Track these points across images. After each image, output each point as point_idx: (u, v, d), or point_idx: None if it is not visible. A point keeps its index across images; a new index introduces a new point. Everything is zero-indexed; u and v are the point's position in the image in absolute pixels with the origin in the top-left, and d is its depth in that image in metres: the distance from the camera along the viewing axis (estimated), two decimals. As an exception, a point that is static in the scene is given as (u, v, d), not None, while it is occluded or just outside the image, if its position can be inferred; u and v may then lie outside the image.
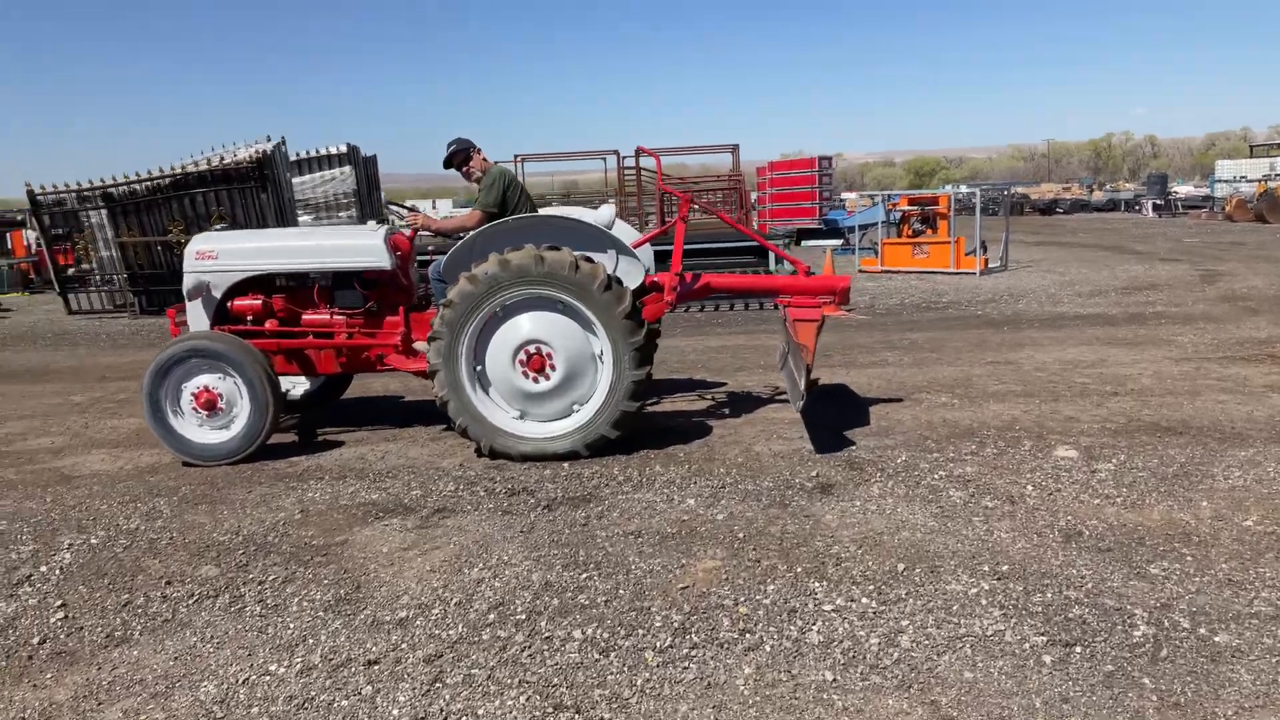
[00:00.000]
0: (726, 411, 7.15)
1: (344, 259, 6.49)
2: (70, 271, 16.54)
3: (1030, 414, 6.65)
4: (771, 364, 8.76)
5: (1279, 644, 3.33)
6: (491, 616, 3.79)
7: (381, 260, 6.38)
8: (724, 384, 8.16)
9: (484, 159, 6.86)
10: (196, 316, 6.63)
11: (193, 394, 6.08)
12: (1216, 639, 3.38)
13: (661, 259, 7.06)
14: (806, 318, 6.06)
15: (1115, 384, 7.54)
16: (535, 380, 5.95)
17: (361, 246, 6.46)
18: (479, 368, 6.00)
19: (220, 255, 6.54)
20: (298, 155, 18.38)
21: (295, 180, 18.30)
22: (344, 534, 4.80)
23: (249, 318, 6.58)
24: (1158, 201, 44.39)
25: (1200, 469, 5.29)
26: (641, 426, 6.46)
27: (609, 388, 5.89)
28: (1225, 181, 49.52)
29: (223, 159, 15.73)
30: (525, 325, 5.94)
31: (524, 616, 3.77)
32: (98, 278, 16.25)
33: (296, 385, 7.50)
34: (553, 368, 5.93)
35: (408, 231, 6.74)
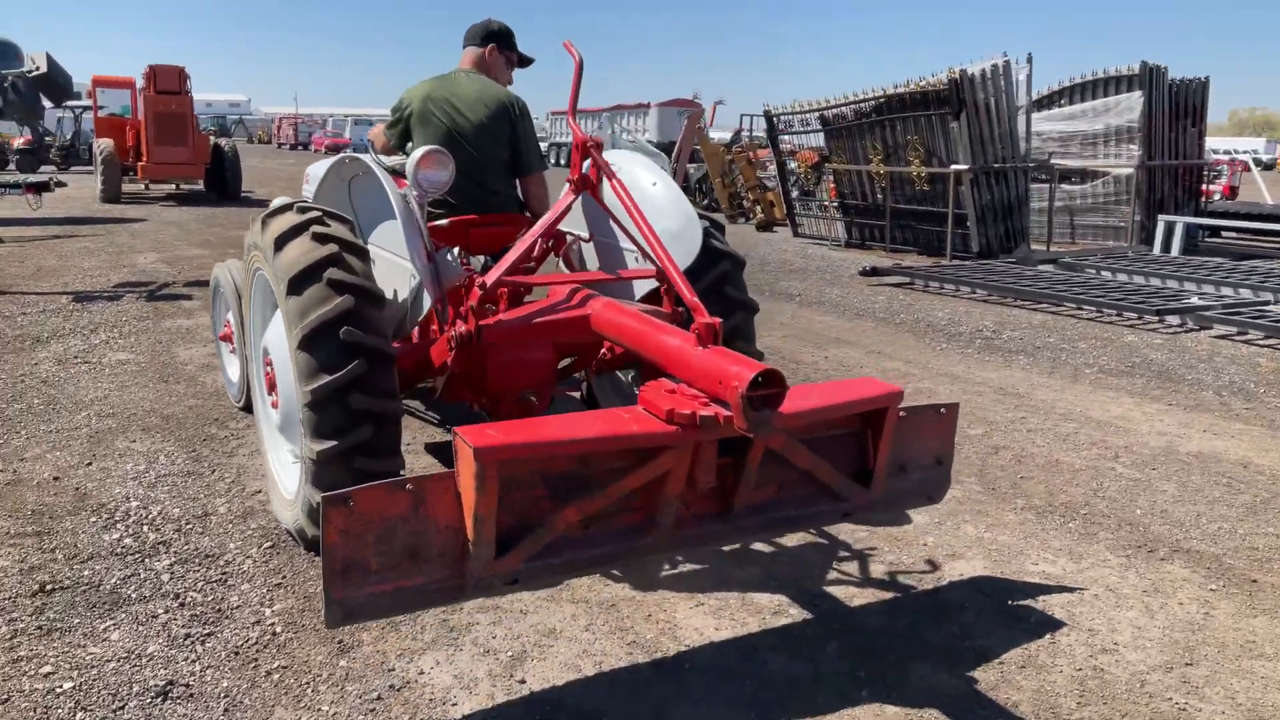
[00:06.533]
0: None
1: None
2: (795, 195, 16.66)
3: None
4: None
5: None
6: None
7: None
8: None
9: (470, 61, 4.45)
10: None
11: None
12: None
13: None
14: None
15: None
16: (274, 404, 3.96)
17: None
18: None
19: None
20: (1070, 80, 14.96)
21: (1070, 108, 15.06)
22: None
23: None
24: None
25: None
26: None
27: (303, 454, 3.54)
28: None
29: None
30: (276, 319, 3.95)
31: None
32: (817, 203, 16.02)
33: None
34: (278, 391, 3.85)
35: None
